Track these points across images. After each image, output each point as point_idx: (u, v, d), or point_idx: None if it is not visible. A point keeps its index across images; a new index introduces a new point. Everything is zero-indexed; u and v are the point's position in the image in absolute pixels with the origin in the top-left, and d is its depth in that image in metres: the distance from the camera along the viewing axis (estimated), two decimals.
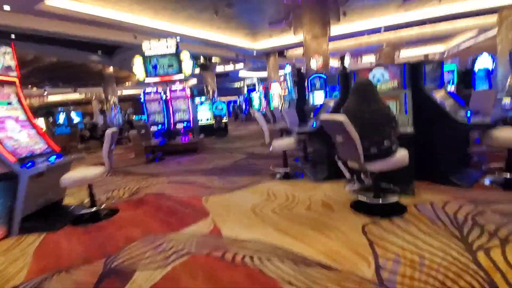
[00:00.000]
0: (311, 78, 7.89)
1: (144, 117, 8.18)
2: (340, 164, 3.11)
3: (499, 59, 9.48)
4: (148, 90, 7.95)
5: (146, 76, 8.00)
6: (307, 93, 8.58)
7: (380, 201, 2.83)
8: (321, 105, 4.60)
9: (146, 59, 7.90)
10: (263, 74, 25.27)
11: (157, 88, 8.08)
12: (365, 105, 2.60)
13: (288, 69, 8.50)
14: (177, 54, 7.90)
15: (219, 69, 21.12)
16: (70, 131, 12.60)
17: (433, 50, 22.16)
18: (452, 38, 19.26)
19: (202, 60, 16.31)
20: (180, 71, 7.97)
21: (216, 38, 11.97)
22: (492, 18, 13.86)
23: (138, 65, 7.90)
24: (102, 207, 3.65)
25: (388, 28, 12.69)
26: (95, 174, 3.34)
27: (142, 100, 7.98)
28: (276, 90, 16.29)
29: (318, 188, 3.75)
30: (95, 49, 13.39)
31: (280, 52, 17.74)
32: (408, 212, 2.77)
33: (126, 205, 3.88)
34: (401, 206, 2.88)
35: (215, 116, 11.81)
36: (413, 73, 3.46)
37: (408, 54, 21.63)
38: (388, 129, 2.60)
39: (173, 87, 7.98)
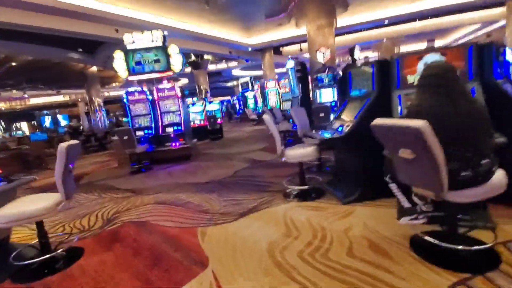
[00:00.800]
0: (317, 72, 6.97)
1: (128, 120, 7.13)
2: (393, 187, 2.19)
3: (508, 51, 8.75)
4: (131, 89, 6.90)
5: (129, 74, 6.95)
6: (311, 90, 7.67)
7: (461, 247, 1.91)
8: (343, 104, 3.68)
9: (128, 54, 6.85)
10: (257, 72, 24.31)
11: (142, 87, 7.04)
12: (452, 104, 1.68)
13: (290, 63, 7.57)
14: (164, 48, 6.87)
15: (211, 67, 20.07)
16: (47, 137, 11.43)
17: (432, 45, 21.57)
18: (451, 32, 18.67)
19: (193, 57, 15.26)
20: (168, 67, 6.95)
21: (207, 32, 10.95)
22: (496, 10, 13.27)
23: (119, 61, 6.84)
24: (58, 251, 2.63)
25: (392, 20, 11.89)
26: (42, 209, 2.33)
27: (125, 101, 6.93)
28: (273, 88, 15.38)
29: (352, 214, 2.82)
30: (75, 46, 12.20)
31: (276, 49, 16.82)
32: (504, 261, 1.87)
33: (95, 244, 2.88)
34: (487, 248, 1.97)
35: (209, 117, 10.80)
36: (481, 59, 2.56)
37: (407, 50, 21.03)
38: (487, 139, 1.68)
39: (161, 86, 6.95)
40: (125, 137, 6.03)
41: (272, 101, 15.58)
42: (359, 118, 2.97)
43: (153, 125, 6.96)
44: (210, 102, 11.57)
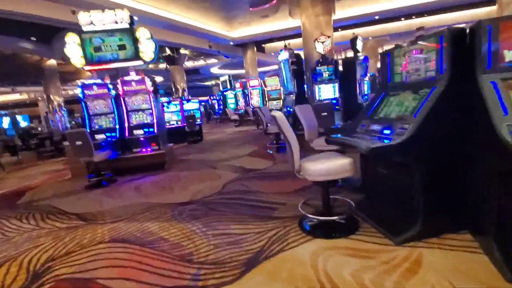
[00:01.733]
0: (316, 66, 6.01)
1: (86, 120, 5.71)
2: None
3: None
4: (88, 82, 5.52)
5: (87, 63, 5.57)
6: (307, 86, 6.71)
7: None
8: (380, 97, 2.69)
9: (85, 38, 5.47)
10: (236, 71, 23.19)
11: (103, 80, 5.69)
12: None
13: (284, 55, 6.56)
14: (131, 31, 5.57)
15: (188, 64, 18.65)
16: None
17: None
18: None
19: (168, 51, 13.82)
20: (136, 55, 5.65)
21: (185, 20, 9.68)
22: (483, 10, 13.17)
23: (73, 46, 5.45)
24: None
25: (383, 15, 11.28)
26: None
27: (80, 96, 5.55)
28: (256, 87, 14.37)
29: (422, 266, 1.81)
30: (27, 33, 10.39)
31: (258, 46, 15.81)
32: None
33: None
34: None
35: (187, 117, 9.53)
36: None
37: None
38: None
39: (127, 78, 5.64)
40: (79, 142, 4.67)
41: (255, 100, 14.58)
42: (424, 117, 1.97)
43: (117, 127, 5.62)
44: (188, 101, 10.31)
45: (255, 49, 15.36)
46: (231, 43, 13.05)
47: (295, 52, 6.37)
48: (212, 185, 4.26)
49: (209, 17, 10.43)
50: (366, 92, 6.39)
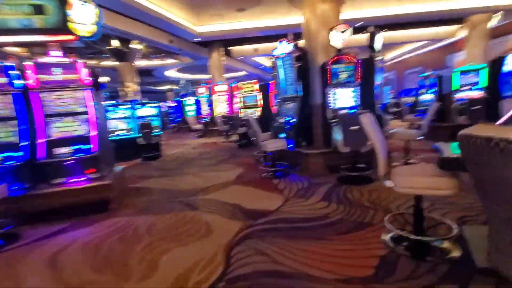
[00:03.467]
0: (332, 63, 4.50)
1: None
2: None
3: None
4: None
5: None
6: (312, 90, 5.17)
7: None
8: None
9: None
10: (196, 76, 21.05)
11: (5, 65, 3.37)
12: None
13: (284, 48, 4.94)
14: None
15: (141, 64, 15.94)
16: None
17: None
18: (396, 48, 19.06)
19: (117, 43, 11.17)
20: (64, 25, 3.47)
21: (141, 1, 7.49)
22: (453, 27, 13.33)
23: None
24: None
25: (384, 21, 10.35)
26: None
27: None
28: (222, 93, 12.57)
29: None
30: None
31: (225, 47, 14.02)
32: None
33: None
34: None
35: (142, 126, 7.29)
36: None
37: None
38: None
39: (43, 60, 3.41)
40: None
41: (223, 107, 12.74)
42: None
43: (25, 143, 3.33)
44: (142, 105, 8.05)
45: (221, 51, 13.56)
46: (199, 39, 11.04)
47: (299, 45, 4.79)
48: (203, 253, 2.34)
49: (173, 2, 8.39)
50: (384, 101, 5.11)
